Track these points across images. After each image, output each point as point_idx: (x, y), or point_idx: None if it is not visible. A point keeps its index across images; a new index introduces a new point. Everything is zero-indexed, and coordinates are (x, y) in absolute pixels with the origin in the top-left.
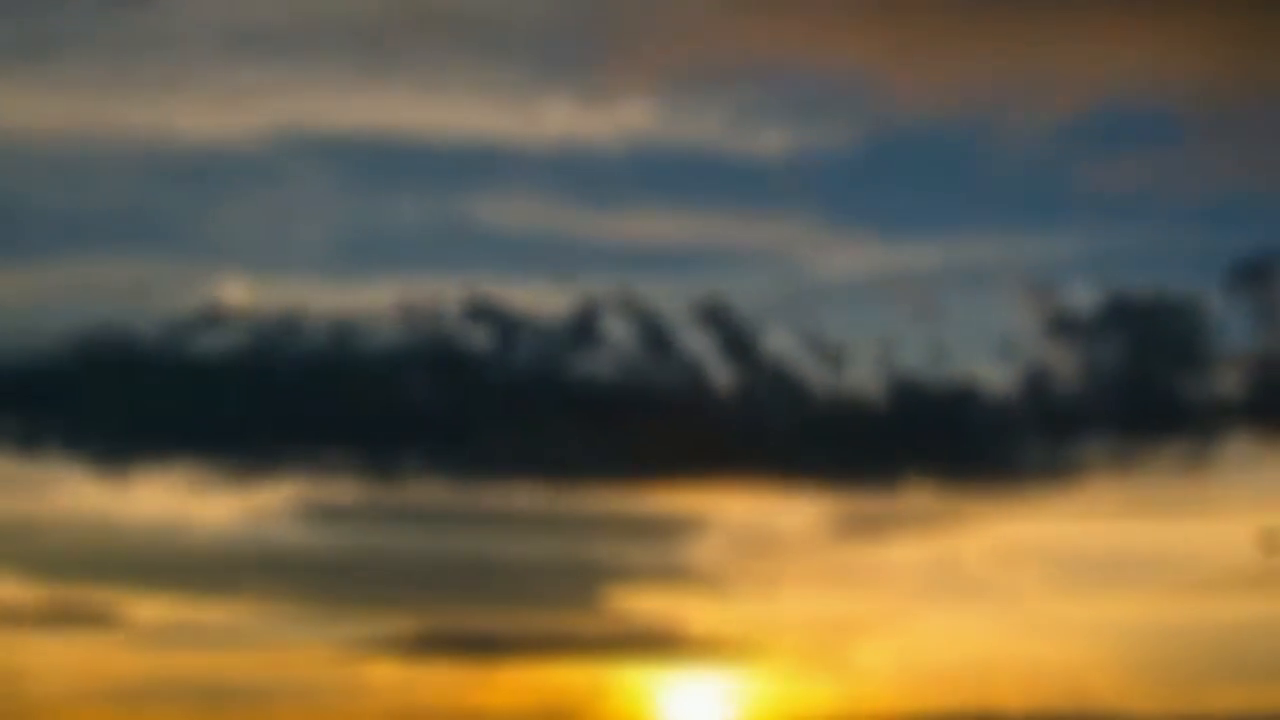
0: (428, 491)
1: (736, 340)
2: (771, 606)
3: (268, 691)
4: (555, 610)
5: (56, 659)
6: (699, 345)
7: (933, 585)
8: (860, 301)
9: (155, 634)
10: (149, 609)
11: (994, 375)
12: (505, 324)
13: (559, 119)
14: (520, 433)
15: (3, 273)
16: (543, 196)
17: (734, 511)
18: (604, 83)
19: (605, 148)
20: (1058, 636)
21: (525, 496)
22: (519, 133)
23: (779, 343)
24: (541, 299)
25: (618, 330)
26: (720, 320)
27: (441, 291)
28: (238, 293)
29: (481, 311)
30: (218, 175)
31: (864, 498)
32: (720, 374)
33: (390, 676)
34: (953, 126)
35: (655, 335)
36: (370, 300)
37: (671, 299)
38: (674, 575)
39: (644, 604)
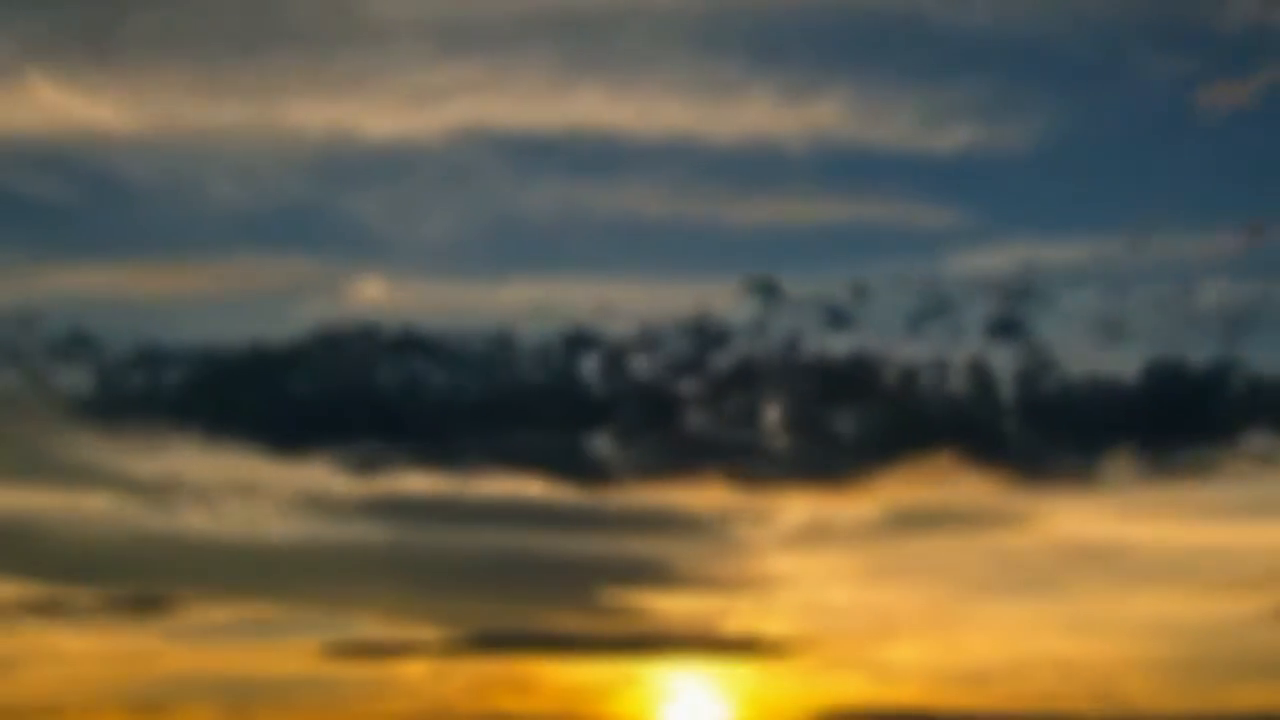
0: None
1: (1008, 320)
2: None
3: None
4: (589, 609)
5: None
6: (953, 329)
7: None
8: (1139, 284)
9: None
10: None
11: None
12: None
13: (754, 115)
14: (724, 424)
15: (181, 268)
16: (727, 191)
17: (798, 509)
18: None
19: (793, 143)
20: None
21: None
22: (710, 130)
23: (1051, 324)
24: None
25: (883, 313)
26: (1003, 298)
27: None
28: (382, 291)
29: (757, 289)
30: (399, 174)
31: (1056, 480)
32: (966, 357)
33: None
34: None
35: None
36: (576, 297)
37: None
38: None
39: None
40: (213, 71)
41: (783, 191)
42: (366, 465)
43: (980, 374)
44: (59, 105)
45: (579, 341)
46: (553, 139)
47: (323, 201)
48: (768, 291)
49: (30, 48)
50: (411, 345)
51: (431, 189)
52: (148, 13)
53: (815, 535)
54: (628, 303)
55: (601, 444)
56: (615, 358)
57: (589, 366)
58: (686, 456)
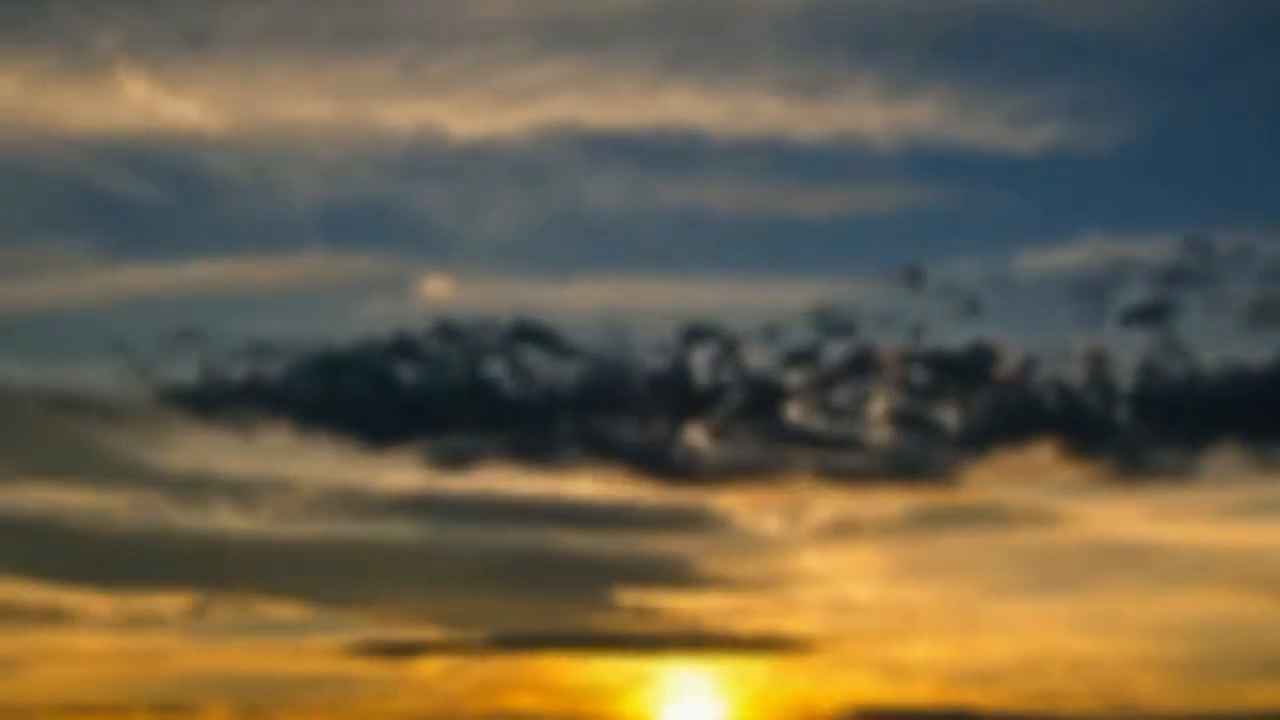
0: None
1: (1152, 306)
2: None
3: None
4: (608, 607)
5: None
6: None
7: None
8: None
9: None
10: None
11: None
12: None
13: (843, 114)
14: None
15: (258, 263)
16: (823, 189)
17: (823, 506)
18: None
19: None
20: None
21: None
22: (796, 129)
23: (1198, 311)
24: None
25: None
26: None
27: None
28: (445, 289)
29: (900, 278)
30: (489, 171)
31: (1152, 475)
32: (1093, 346)
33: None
34: None
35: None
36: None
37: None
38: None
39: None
40: (309, 70)
41: (871, 187)
42: (455, 460)
43: (1099, 364)
44: (151, 104)
45: (696, 335)
46: (641, 137)
47: (411, 197)
48: (910, 280)
49: (124, 47)
50: (526, 337)
51: (522, 186)
52: (244, 11)
53: (881, 531)
54: (731, 299)
55: (698, 437)
56: (730, 352)
57: (702, 360)
58: (781, 450)
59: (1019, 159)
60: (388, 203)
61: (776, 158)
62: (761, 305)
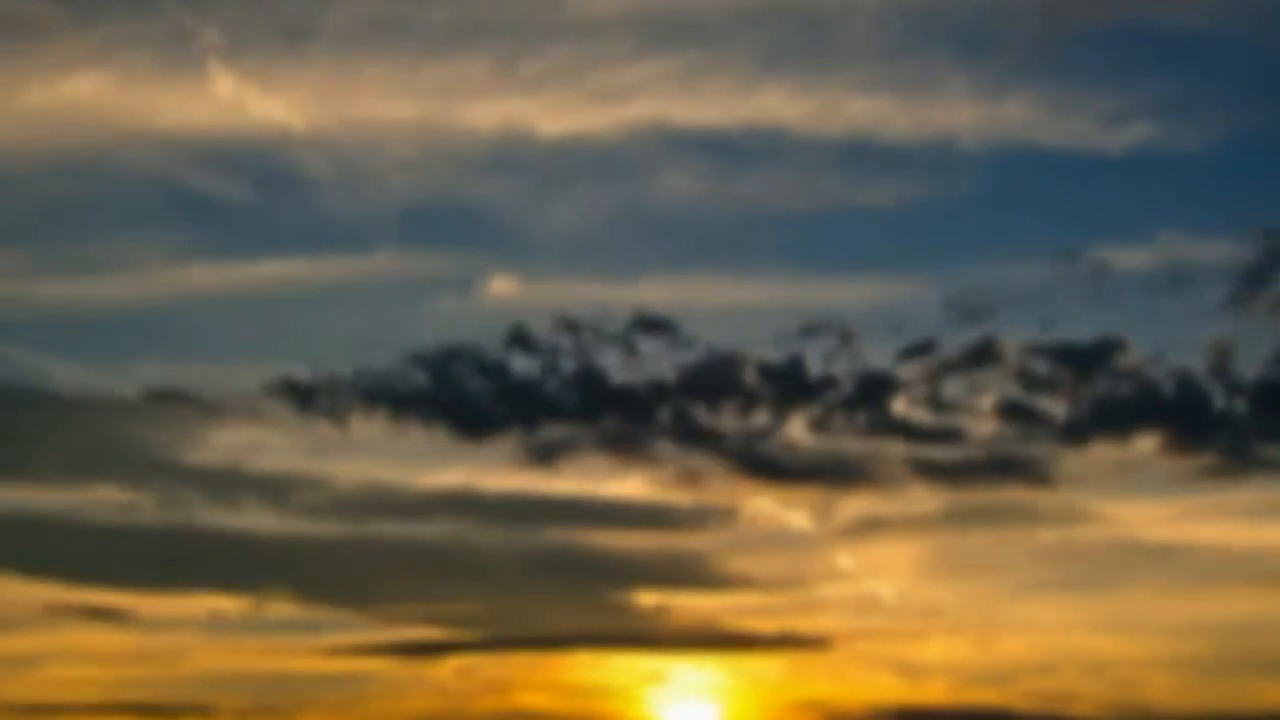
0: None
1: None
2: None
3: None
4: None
5: None
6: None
7: None
8: None
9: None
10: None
11: None
12: None
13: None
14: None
15: (334, 260)
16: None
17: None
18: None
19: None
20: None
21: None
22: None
23: None
24: None
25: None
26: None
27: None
28: (510, 286)
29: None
30: (568, 171)
31: (1258, 467)
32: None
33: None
34: None
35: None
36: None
37: None
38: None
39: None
40: (403, 68)
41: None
42: (547, 452)
43: (1226, 355)
44: (240, 101)
45: (812, 329)
46: (731, 135)
47: (495, 195)
48: (1063, 263)
49: (220, 43)
50: (644, 328)
51: (607, 184)
52: (345, 7)
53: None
54: (840, 294)
55: (796, 431)
56: (846, 344)
57: (816, 353)
58: (877, 444)
59: (1111, 157)
60: (472, 200)
61: (867, 155)
62: (885, 300)
